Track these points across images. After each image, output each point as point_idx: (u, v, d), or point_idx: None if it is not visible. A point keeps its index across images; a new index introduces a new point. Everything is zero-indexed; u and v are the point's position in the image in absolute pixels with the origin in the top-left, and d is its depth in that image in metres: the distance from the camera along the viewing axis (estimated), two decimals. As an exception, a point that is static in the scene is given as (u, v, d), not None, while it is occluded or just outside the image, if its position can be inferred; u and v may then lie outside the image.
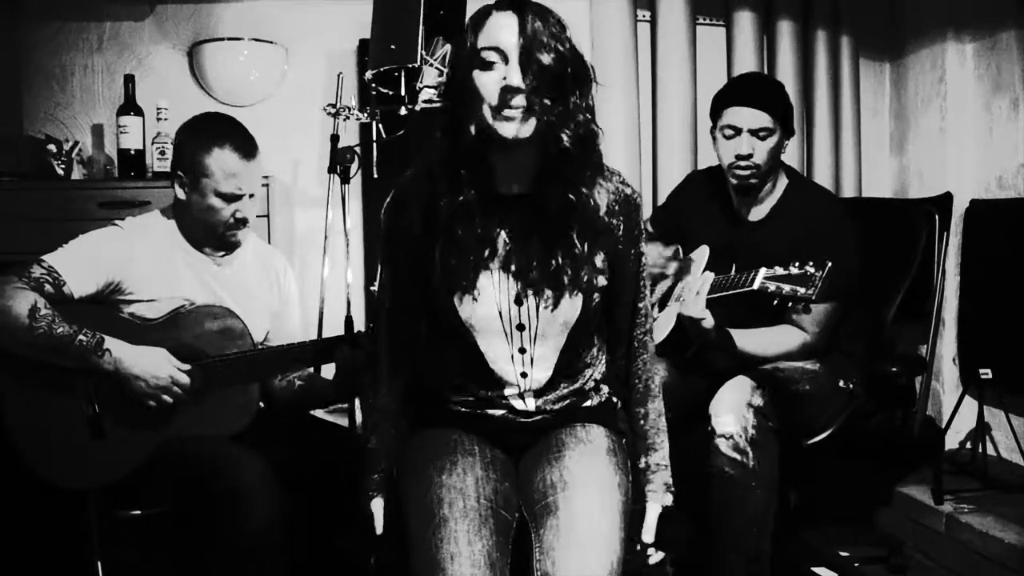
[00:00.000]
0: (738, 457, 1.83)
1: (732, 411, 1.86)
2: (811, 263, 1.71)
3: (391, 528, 1.49)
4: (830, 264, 1.70)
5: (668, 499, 1.50)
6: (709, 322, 1.88)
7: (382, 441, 1.52)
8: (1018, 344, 2.50)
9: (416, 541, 1.32)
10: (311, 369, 2.05)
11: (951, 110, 2.86)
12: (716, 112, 2.14)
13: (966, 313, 2.78)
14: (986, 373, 2.50)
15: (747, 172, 2.06)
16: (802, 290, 1.71)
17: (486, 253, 1.40)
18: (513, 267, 1.40)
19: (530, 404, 1.48)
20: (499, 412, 1.49)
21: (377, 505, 1.50)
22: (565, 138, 1.31)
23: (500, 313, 1.41)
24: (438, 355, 1.50)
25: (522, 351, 1.44)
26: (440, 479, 1.37)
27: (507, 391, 1.47)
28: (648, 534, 1.46)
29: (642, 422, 1.53)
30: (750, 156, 2.04)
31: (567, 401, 1.51)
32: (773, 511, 1.88)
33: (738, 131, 2.05)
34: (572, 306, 1.41)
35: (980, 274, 2.73)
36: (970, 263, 2.76)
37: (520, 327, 1.43)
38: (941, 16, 2.88)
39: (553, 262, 1.38)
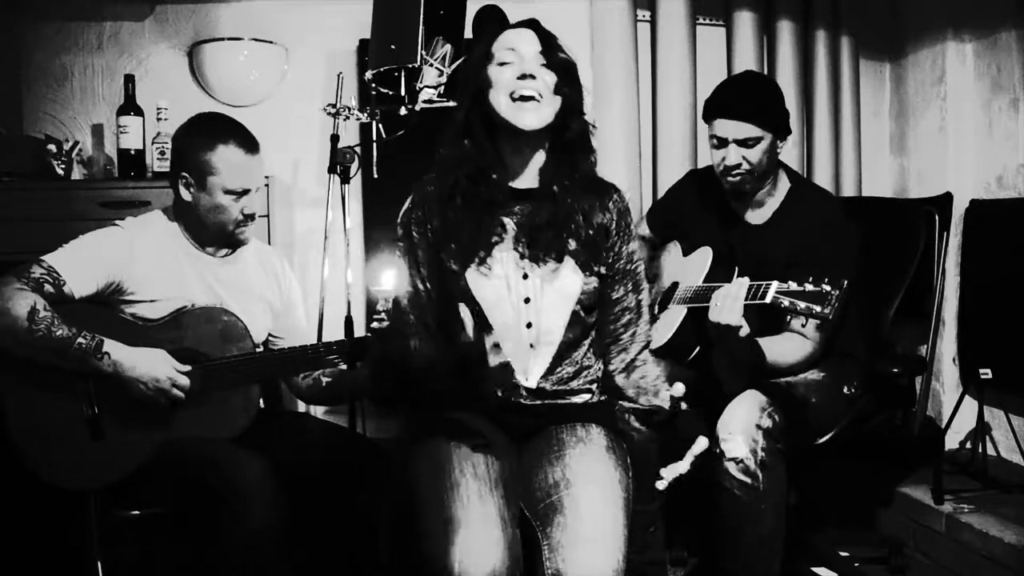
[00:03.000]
0: (748, 480, 1.83)
1: (742, 434, 1.84)
2: (826, 280, 1.67)
3: (396, 528, 1.52)
4: (846, 283, 1.66)
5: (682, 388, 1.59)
6: (745, 330, 1.81)
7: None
8: (1018, 344, 2.50)
9: (428, 506, 1.38)
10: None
11: (951, 110, 2.86)
12: (705, 118, 2.11)
13: (966, 313, 2.78)
14: (986, 373, 2.49)
15: (738, 178, 2.05)
16: (818, 308, 1.67)
17: (496, 235, 1.54)
18: (520, 248, 1.54)
19: (532, 382, 1.54)
20: (499, 392, 1.55)
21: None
22: (578, 123, 1.54)
23: (508, 286, 1.52)
24: (448, 339, 1.56)
25: (528, 325, 1.53)
26: (449, 449, 1.45)
27: (515, 365, 1.53)
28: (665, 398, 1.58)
29: (636, 374, 1.62)
30: (739, 166, 2.03)
31: (565, 386, 1.56)
32: (783, 531, 1.88)
33: (724, 142, 2.03)
34: (574, 280, 1.54)
35: (980, 274, 2.72)
36: (970, 263, 2.76)
37: (527, 300, 1.53)
38: (941, 16, 2.88)
39: (557, 239, 1.54)
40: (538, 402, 1.55)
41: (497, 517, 1.33)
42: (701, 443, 1.51)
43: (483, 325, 1.52)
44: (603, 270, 1.57)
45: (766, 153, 2.03)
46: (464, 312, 1.47)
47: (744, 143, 2.01)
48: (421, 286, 1.58)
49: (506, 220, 1.56)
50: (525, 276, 1.53)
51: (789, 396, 1.95)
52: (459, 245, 1.53)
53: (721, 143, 2.04)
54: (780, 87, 2.20)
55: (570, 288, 1.54)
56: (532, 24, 1.55)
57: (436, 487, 1.39)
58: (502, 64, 1.51)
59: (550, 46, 1.52)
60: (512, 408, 1.55)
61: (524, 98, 1.49)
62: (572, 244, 1.55)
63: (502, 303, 1.52)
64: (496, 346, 1.53)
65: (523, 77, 1.49)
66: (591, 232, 1.56)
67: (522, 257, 1.53)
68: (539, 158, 1.57)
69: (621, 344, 1.62)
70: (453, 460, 1.42)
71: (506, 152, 1.56)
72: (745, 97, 2.05)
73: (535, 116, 1.49)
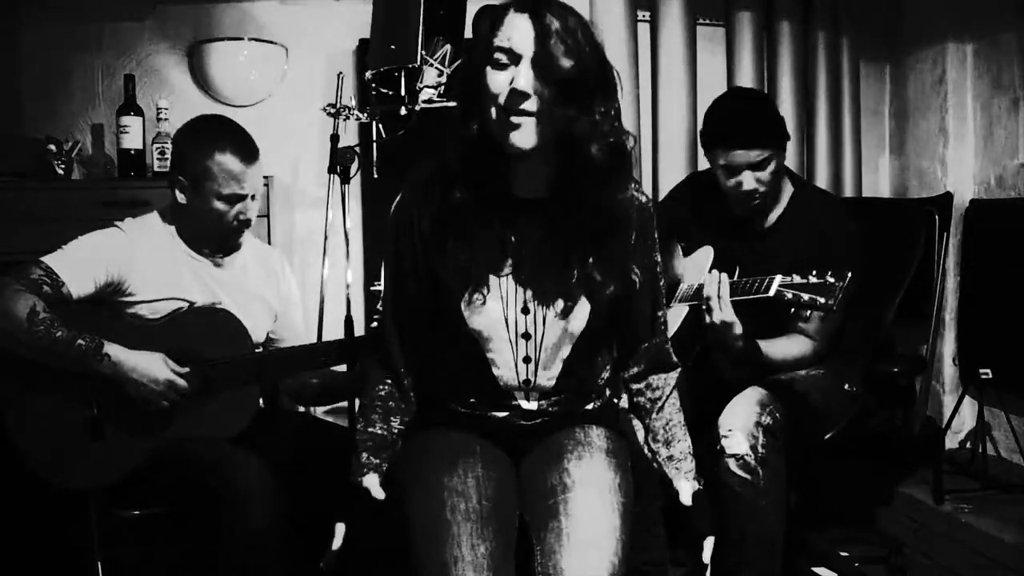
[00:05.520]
0: (748, 477, 1.83)
1: (742, 431, 1.85)
2: (830, 273, 1.68)
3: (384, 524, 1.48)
4: (850, 275, 1.67)
5: (697, 485, 1.48)
6: (739, 328, 1.83)
7: (387, 429, 1.47)
8: (1018, 344, 2.50)
9: (419, 546, 1.32)
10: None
11: (951, 110, 2.86)
12: (708, 148, 2.07)
13: (966, 313, 2.78)
14: (986, 373, 2.49)
15: (757, 201, 2.04)
16: (822, 299, 1.68)
17: (495, 257, 1.37)
18: (522, 274, 1.38)
19: (532, 405, 1.47)
20: (501, 414, 1.48)
21: (372, 480, 1.42)
22: (594, 150, 1.28)
23: (506, 320, 1.39)
24: (441, 361, 1.49)
25: (527, 360, 1.43)
26: (441, 482, 1.36)
27: (510, 393, 1.46)
28: (686, 498, 1.45)
29: (659, 419, 1.52)
30: (756, 190, 2.02)
31: (567, 403, 1.50)
32: (783, 529, 1.88)
33: (737, 170, 2.01)
34: (580, 317, 1.39)
35: (980, 274, 2.72)
36: (970, 263, 2.76)
37: (526, 335, 1.41)
38: (941, 16, 2.88)
39: (564, 271, 1.37)
40: (538, 420, 1.49)
41: (487, 566, 1.27)
42: (709, 544, 1.45)
43: (477, 355, 1.43)
44: (618, 288, 1.40)
45: (776, 168, 2.02)
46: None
47: (757, 166, 1.99)
48: (404, 295, 1.45)
49: (507, 238, 1.37)
50: (525, 310, 1.39)
51: (790, 393, 1.96)
52: (454, 266, 1.36)
53: (733, 171, 2.01)
54: (769, 96, 2.15)
55: (576, 326, 1.40)
56: (535, 12, 1.25)
57: (426, 529, 1.32)
58: (498, 66, 1.26)
59: (552, 49, 1.23)
60: (513, 429, 1.48)
61: (515, 112, 1.25)
62: (587, 282, 1.37)
63: (498, 339, 1.40)
64: (491, 378, 1.44)
65: (514, 96, 1.24)
66: (607, 252, 1.38)
67: (524, 287, 1.38)
68: (550, 167, 1.34)
69: (635, 358, 1.52)
70: (444, 497, 1.33)
71: (511, 159, 1.32)
72: (752, 123, 2.01)
73: (525, 137, 1.26)
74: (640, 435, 1.56)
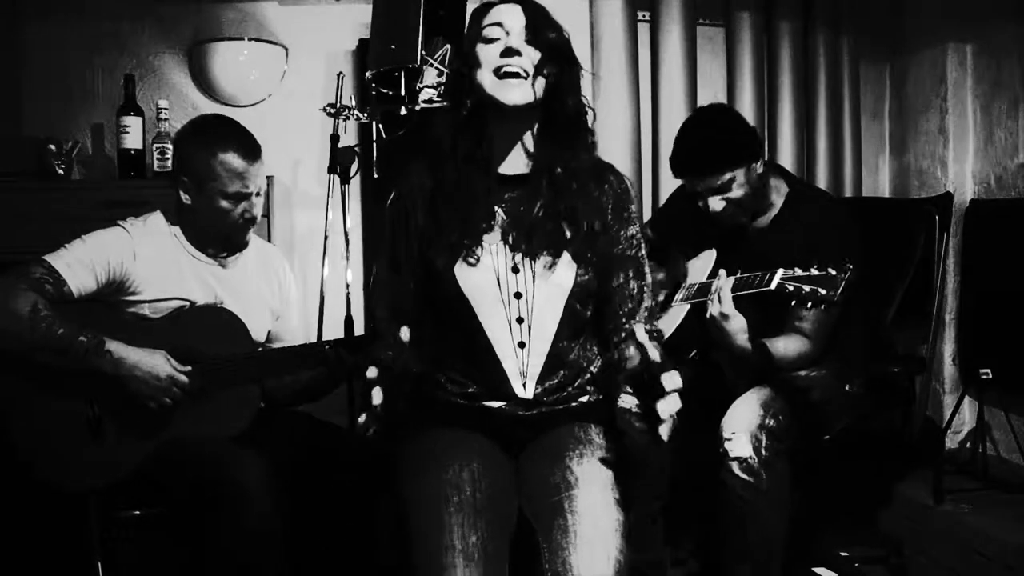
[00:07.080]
0: (751, 480, 1.83)
1: (745, 433, 1.85)
2: (831, 265, 1.68)
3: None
4: (851, 266, 1.67)
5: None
6: (740, 322, 1.84)
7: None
8: (1018, 344, 2.50)
9: (413, 536, 1.35)
10: None
11: (951, 110, 2.86)
12: (674, 175, 2.09)
13: (966, 313, 2.78)
14: (986, 373, 2.49)
15: (730, 216, 2.04)
16: (823, 291, 1.67)
17: (484, 224, 1.48)
18: (510, 238, 1.48)
19: (528, 390, 1.50)
20: (497, 404, 1.51)
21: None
22: (570, 102, 1.46)
23: (498, 280, 1.47)
24: (437, 339, 1.53)
25: (520, 320, 1.48)
26: (437, 475, 1.40)
27: (506, 366, 1.48)
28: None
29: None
30: (724, 209, 2.02)
31: (564, 392, 1.52)
32: (785, 531, 1.88)
33: (703, 193, 2.02)
34: (567, 273, 1.48)
35: (980, 274, 2.73)
36: (970, 263, 2.76)
37: (517, 295, 1.47)
38: (941, 16, 2.89)
39: (546, 231, 1.47)
40: (534, 411, 1.51)
41: (478, 555, 1.29)
42: (674, 380, 1.24)
43: (472, 322, 1.47)
44: (600, 259, 1.50)
45: (746, 183, 2.01)
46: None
47: (720, 189, 2.00)
48: (398, 274, 1.53)
49: (496, 209, 1.49)
50: (515, 269, 1.47)
51: (792, 394, 1.95)
52: (446, 237, 1.47)
53: (700, 196, 2.03)
54: (737, 114, 2.16)
55: (564, 281, 1.47)
56: (521, 1, 1.48)
57: (419, 519, 1.36)
58: (488, 41, 1.44)
59: (537, 22, 1.44)
60: (509, 420, 1.50)
61: (508, 74, 1.41)
62: (568, 235, 1.48)
63: (491, 300, 1.46)
64: (487, 346, 1.48)
65: (507, 53, 1.42)
66: (587, 220, 1.49)
67: (512, 250, 1.47)
68: (529, 141, 1.50)
69: (623, 331, 1.54)
70: (439, 489, 1.37)
71: (495, 135, 1.49)
72: (702, 151, 2.01)
73: (519, 92, 1.42)
74: (639, 440, 1.56)
